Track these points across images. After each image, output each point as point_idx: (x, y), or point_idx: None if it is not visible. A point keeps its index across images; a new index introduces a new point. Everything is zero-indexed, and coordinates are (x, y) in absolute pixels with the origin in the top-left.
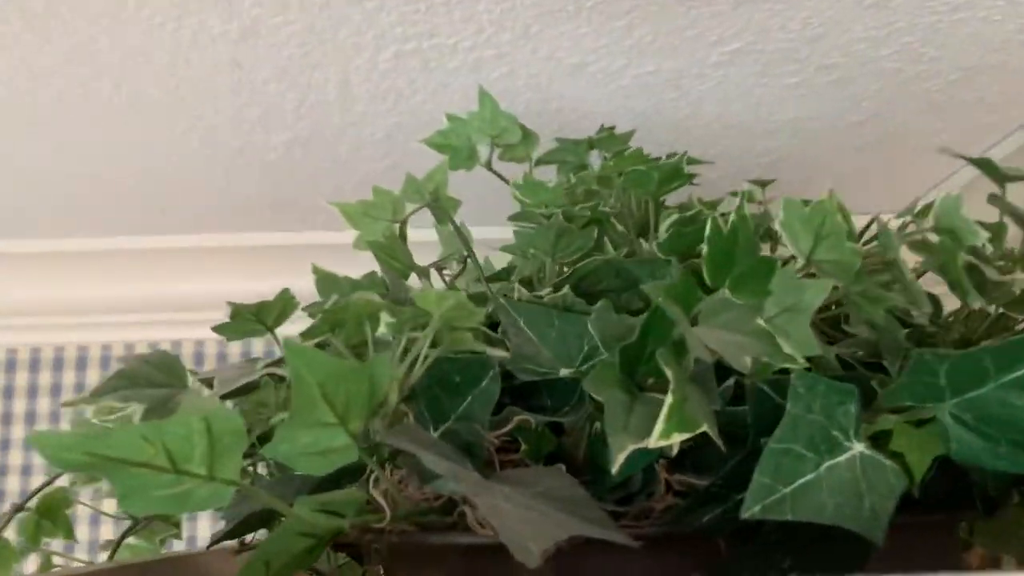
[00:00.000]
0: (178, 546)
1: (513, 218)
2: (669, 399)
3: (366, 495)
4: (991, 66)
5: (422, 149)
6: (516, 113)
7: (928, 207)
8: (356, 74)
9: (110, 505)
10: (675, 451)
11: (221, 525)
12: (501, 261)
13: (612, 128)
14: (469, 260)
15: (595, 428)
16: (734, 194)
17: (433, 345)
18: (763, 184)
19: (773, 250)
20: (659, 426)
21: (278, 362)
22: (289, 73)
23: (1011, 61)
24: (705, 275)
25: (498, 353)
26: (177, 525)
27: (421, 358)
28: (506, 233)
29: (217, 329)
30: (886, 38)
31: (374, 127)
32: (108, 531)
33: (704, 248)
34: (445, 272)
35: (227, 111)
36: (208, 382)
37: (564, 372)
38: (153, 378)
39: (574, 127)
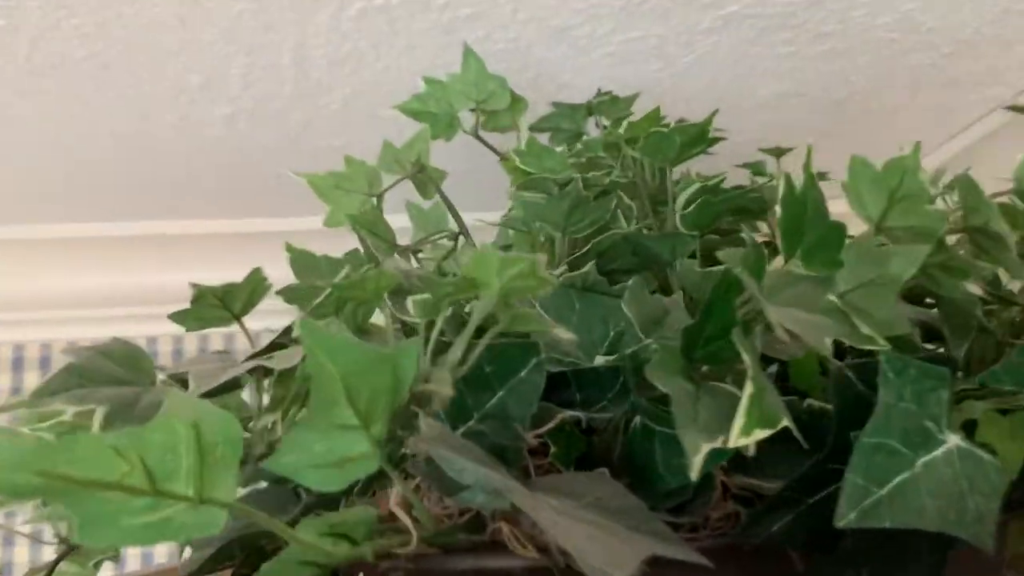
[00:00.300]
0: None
1: (523, 187)
2: (749, 389)
3: (378, 512)
4: (986, 38)
5: (380, 124)
6: None
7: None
8: (315, 35)
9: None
10: (752, 451)
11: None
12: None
13: (610, 92)
14: (462, 237)
15: (634, 424)
16: (745, 166)
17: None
18: (778, 154)
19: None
20: (739, 421)
21: (265, 352)
22: (239, 34)
23: (1005, 33)
24: (779, 243)
25: (566, 335)
26: (116, 547)
27: (464, 342)
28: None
29: (175, 317)
30: (886, 5)
31: (330, 97)
32: (23, 552)
33: (778, 211)
34: (422, 256)
35: (166, 78)
36: (180, 378)
37: (600, 360)
38: (113, 374)
39: (551, 99)
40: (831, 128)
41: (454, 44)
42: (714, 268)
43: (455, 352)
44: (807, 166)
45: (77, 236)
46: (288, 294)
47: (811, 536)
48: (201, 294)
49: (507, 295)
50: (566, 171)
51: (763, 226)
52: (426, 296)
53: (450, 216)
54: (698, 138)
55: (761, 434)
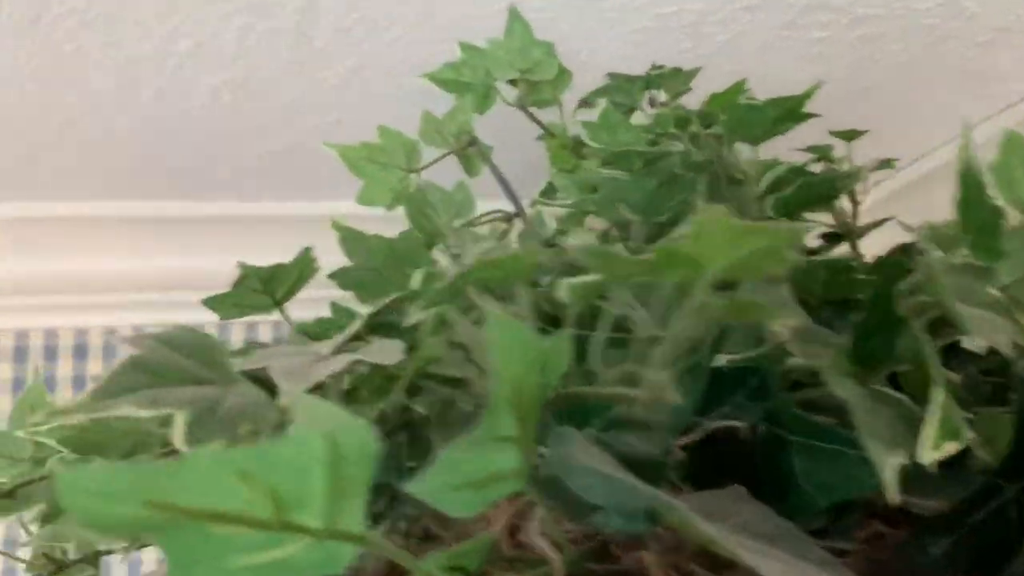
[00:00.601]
0: None
1: (606, 162)
2: (939, 396)
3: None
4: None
5: (376, 101)
6: None
7: None
8: None
9: None
10: (935, 467)
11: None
12: None
13: (662, 66)
14: (519, 218)
15: (758, 433)
16: (811, 150)
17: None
18: (849, 137)
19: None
20: (930, 433)
21: (355, 339)
22: None
23: None
24: (960, 228)
25: (786, 329)
26: (96, 565)
27: (676, 335)
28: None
29: (210, 303)
30: None
31: (330, 70)
32: None
33: (958, 191)
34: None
35: (151, 40)
36: (258, 375)
37: (725, 359)
38: (185, 369)
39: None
40: (847, 117)
41: (477, 16)
42: (818, 258)
43: (666, 347)
44: (965, 145)
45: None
46: (342, 278)
47: (975, 559)
48: (246, 275)
49: (735, 273)
50: (642, 146)
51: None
52: (591, 278)
53: (471, 201)
54: (791, 113)
55: (950, 448)
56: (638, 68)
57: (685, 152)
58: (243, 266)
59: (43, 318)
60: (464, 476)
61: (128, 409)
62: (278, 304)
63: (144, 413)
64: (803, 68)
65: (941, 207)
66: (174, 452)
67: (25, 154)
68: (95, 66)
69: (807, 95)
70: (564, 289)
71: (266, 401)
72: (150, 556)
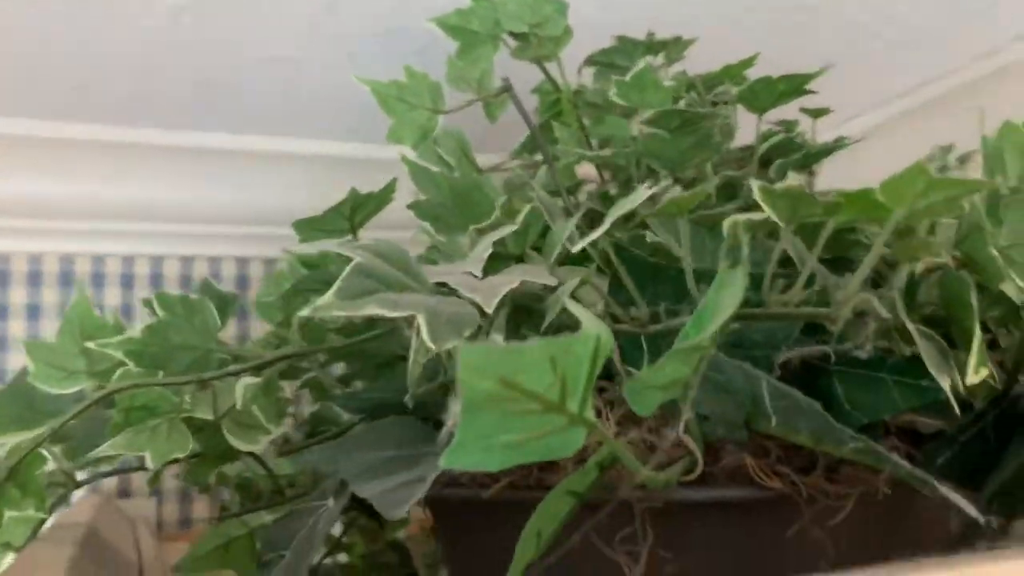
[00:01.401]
0: None
1: (650, 121)
2: (979, 334)
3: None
4: (934, 29)
5: (340, 40)
6: None
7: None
8: None
9: None
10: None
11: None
12: None
13: (653, 33)
14: (547, 167)
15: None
16: (780, 123)
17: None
18: (815, 115)
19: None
20: (974, 360)
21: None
22: None
23: (947, 25)
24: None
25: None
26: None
27: (869, 264)
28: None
29: (297, 226)
30: None
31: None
32: None
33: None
34: None
35: None
36: (448, 288)
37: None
38: (398, 279)
39: None
40: None
41: None
42: None
43: (858, 275)
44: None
45: None
46: (418, 210)
47: (966, 470)
48: (345, 201)
49: (916, 221)
50: (667, 106)
51: None
52: (761, 215)
53: (469, 146)
54: (797, 88)
55: (984, 372)
56: (603, 32)
57: (724, 116)
58: (353, 191)
59: None
60: (661, 379)
61: (374, 309)
62: (353, 230)
63: (388, 313)
64: (745, 46)
65: (848, 179)
66: (241, 372)
67: None
68: None
69: (815, 75)
70: (731, 225)
71: (470, 310)
72: None
